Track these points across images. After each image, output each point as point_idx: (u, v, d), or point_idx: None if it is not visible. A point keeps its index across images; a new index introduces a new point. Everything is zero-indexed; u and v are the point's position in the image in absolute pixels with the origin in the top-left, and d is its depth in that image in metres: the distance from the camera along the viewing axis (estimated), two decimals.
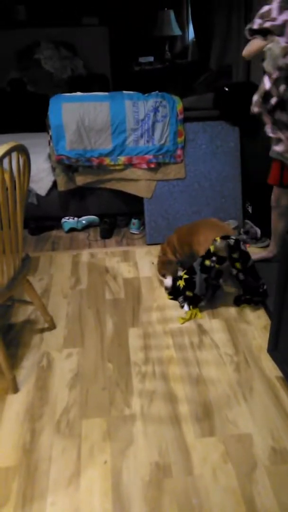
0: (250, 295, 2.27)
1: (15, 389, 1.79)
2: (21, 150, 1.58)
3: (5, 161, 1.47)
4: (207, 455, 1.50)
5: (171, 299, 2.37)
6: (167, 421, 1.64)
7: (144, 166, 2.80)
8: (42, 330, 2.15)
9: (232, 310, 2.26)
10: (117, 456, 1.51)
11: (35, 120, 3.41)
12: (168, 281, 2.39)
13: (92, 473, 1.45)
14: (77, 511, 1.34)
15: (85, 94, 2.76)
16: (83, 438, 1.58)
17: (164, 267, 2.43)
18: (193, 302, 2.24)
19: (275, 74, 1.86)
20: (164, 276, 2.43)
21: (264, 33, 1.89)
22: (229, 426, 1.60)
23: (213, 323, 2.17)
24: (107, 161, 2.79)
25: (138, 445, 1.54)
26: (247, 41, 3.10)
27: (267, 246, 2.81)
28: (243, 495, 1.37)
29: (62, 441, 1.57)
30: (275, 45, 1.82)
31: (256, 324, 2.15)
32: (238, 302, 2.30)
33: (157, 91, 2.78)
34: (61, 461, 1.50)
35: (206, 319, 2.20)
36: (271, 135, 2.09)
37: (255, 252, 2.70)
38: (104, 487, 1.41)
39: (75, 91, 2.84)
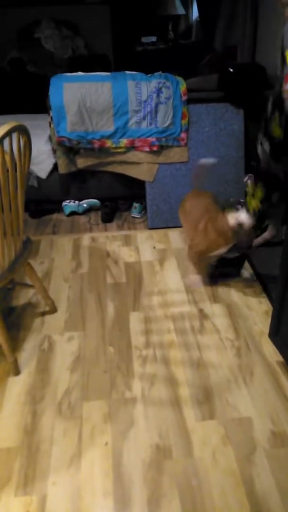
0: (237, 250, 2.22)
1: (17, 371, 1.80)
2: (22, 130, 1.54)
3: (5, 142, 1.44)
4: (207, 437, 1.51)
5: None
6: (168, 404, 1.65)
7: (147, 149, 2.76)
8: (43, 313, 2.15)
9: (234, 295, 2.25)
10: (118, 438, 1.52)
11: (35, 101, 3.36)
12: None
13: (93, 454, 1.47)
14: (78, 491, 1.36)
15: (87, 74, 2.70)
16: (84, 420, 1.59)
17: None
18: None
19: None
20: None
21: None
22: (229, 410, 1.61)
23: (214, 308, 2.16)
24: (108, 143, 2.74)
25: (139, 427, 1.56)
26: (252, 18, 3.02)
27: None
28: (242, 477, 1.38)
29: (63, 423, 1.58)
30: None
31: (257, 310, 2.15)
32: (213, 277, 2.31)
33: (160, 72, 2.72)
34: (62, 442, 1.51)
35: (207, 304, 2.19)
36: None
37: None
38: (105, 468, 1.42)
39: (76, 72, 2.78)
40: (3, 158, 1.41)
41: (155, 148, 2.76)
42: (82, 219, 3.17)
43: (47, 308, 2.15)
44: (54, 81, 2.66)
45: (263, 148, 2.13)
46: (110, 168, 2.90)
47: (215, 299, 2.23)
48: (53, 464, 1.44)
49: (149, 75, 2.72)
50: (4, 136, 1.38)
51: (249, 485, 1.36)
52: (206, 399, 1.66)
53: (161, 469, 1.42)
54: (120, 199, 3.25)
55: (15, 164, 1.57)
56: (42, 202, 3.21)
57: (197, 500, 1.32)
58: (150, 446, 1.49)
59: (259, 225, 2.30)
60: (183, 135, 2.74)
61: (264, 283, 2.32)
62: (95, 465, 1.44)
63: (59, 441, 1.52)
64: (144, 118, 2.67)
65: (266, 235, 2.62)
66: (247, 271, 2.37)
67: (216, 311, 2.15)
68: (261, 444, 1.48)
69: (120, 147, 2.77)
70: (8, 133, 1.41)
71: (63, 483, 1.39)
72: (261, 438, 1.51)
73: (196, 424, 1.56)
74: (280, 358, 1.83)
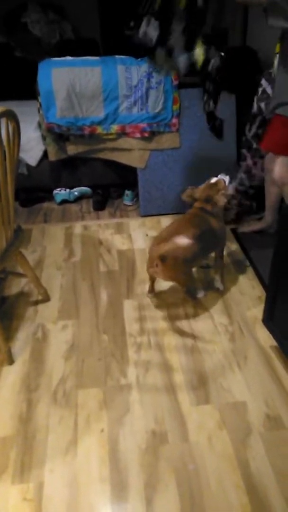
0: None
1: (11, 361, 1.79)
2: (10, 116, 1.51)
3: None
4: (203, 422, 1.52)
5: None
6: (163, 390, 1.65)
7: (138, 135, 2.72)
8: (36, 302, 2.14)
9: (227, 281, 2.25)
10: (114, 425, 1.52)
11: (23, 87, 3.28)
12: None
13: (89, 441, 1.47)
14: (75, 478, 1.36)
15: (76, 58, 2.64)
16: (79, 408, 1.59)
17: None
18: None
19: None
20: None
21: None
22: (224, 394, 1.62)
23: (208, 294, 2.16)
24: (99, 129, 2.70)
25: (134, 413, 1.56)
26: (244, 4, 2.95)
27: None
28: (238, 461, 1.40)
29: (58, 411, 1.58)
30: None
31: (250, 295, 2.15)
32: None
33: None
34: (58, 430, 1.51)
35: (200, 290, 2.19)
36: None
37: (251, 223, 2.68)
38: (101, 455, 1.43)
39: (64, 56, 2.71)
40: None
41: (146, 134, 2.73)
42: (74, 207, 3.14)
43: (40, 297, 2.14)
44: (42, 66, 2.61)
45: None
46: (101, 155, 2.86)
47: (208, 284, 2.23)
48: (49, 451, 1.44)
49: (139, 59, 2.67)
50: None
51: (245, 468, 1.37)
52: (201, 384, 1.67)
53: (157, 454, 1.42)
54: (111, 186, 3.22)
55: (4, 150, 1.53)
56: (32, 190, 3.17)
57: (193, 484, 1.33)
58: (146, 432, 1.49)
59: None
60: (174, 120, 2.71)
61: (256, 268, 2.32)
62: (92, 451, 1.44)
63: (55, 429, 1.52)
64: (134, 103, 2.63)
65: (261, 224, 2.63)
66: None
67: (209, 297, 2.15)
68: (256, 427, 1.50)
69: (111, 134, 2.73)
70: None
71: (59, 470, 1.39)
72: (256, 421, 1.52)
73: (191, 409, 1.57)
74: (273, 342, 1.83)
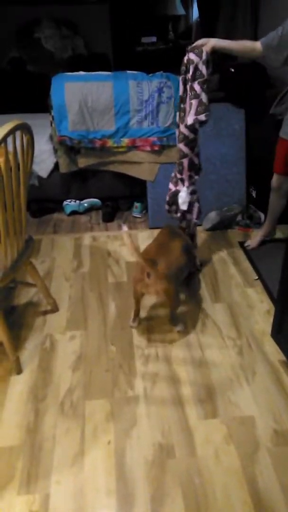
0: None
1: (19, 370, 1.80)
2: (25, 129, 1.54)
3: (9, 140, 1.44)
4: (210, 436, 1.51)
5: None
6: (170, 402, 1.65)
7: (148, 148, 2.76)
8: (45, 313, 2.15)
9: (235, 294, 2.25)
10: (121, 437, 1.52)
11: (35, 100, 3.35)
12: None
13: (96, 453, 1.47)
14: (81, 490, 1.36)
15: (89, 73, 2.70)
16: (86, 419, 1.59)
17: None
18: None
19: None
20: None
21: None
22: (232, 408, 1.61)
23: (216, 307, 2.16)
24: (110, 143, 2.75)
25: (141, 426, 1.56)
26: (252, 19, 3.06)
27: None
28: (245, 476, 1.38)
29: (66, 422, 1.58)
30: None
31: (259, 309, 2.15)
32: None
33: (161, 72, 2.73)
34: (65, 441, 1.51)
35: (208, 303, 2.19)
36: None
37: (256, 236, 2.68)
38: (108, 467, 1.42)
39: (76, 71, 2.77)
40: (7, 157, 1.41)
41: (156, 148, 2.77)
42: (83, 218, 3.17)
43: (49, 307, 2.15)
44: (55, 81, 2.66)
45: None
46: (111, 168, 2.90)
47: (216, 298, 2.23)
48: (56, 462, 1.44)
49: (150, 75, 2.73)
50: (7, 135, 1.38)
51: (252, 483, 1.36)
52: (209, 397, 1.66)
53: (164, 467, 1.42)
54: (121, 198, 3.25)
55: (18, 162, 1.57)
56: (43, 201, 3.21)
57: (200, 498, 1.32)
58: (152, 445, 1.49)
59: None
60: None
61: (265, 282, 2.32)
62: (98, 463, 1.44)
63: (61, 440, 1.52)
64: (145, 117, 2.67)
65: (261, 232, 2.64)
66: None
67: (217, 310, 2.15)
68: (264, 442, 1.49)
69: (122, 147, 2.77)
70: (12, 132, 1.41)
71: (66, 481, 1.38)
72: (263, 436, 1.51)
73: (198, 423, 1.56)
74: (282, 357, 1.83)
